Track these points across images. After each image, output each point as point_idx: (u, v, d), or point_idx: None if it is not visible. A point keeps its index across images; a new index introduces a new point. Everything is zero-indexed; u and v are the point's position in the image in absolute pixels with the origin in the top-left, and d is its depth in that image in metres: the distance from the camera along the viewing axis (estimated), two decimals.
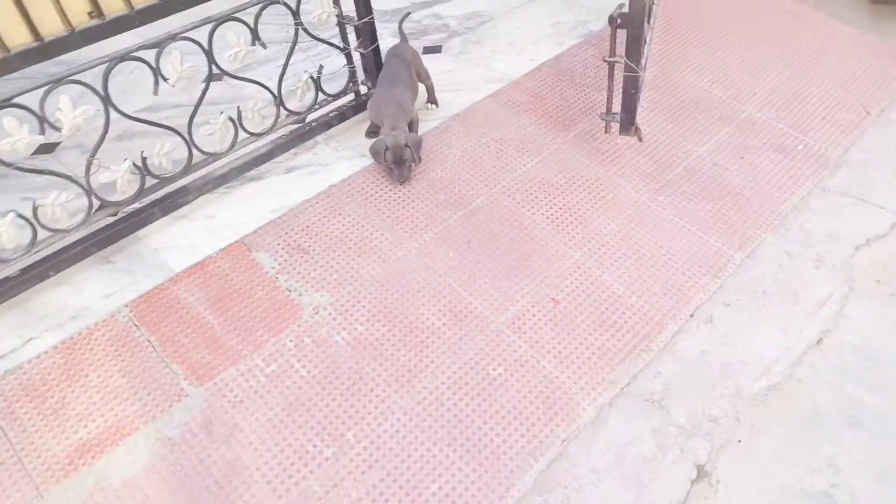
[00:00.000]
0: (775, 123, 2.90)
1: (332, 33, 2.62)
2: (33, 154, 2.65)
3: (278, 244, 2.30)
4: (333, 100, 2.71)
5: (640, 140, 2.35)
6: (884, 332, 2.10)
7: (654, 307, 2.20)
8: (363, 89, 2.80)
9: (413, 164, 2.49)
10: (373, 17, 2.61)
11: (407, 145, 2.41)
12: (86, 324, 2.04)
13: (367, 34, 2.64)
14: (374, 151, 2.46)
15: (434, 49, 3.34)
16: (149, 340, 2.02)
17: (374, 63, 2.70)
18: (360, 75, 2.78)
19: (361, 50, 2.67)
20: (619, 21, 2.14)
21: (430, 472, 1.79)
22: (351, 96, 2.78)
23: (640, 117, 2.84)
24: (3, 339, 2.01)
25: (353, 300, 2.16)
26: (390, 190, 2.51)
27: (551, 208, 2.49)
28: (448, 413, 1.91)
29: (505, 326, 2.12)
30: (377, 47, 2.70)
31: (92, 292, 2.15)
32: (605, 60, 2.28)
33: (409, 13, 3.01)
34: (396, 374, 1.99)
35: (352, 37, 2.67)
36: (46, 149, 2.80)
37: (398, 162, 2.42)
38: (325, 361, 2.00)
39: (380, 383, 1.96)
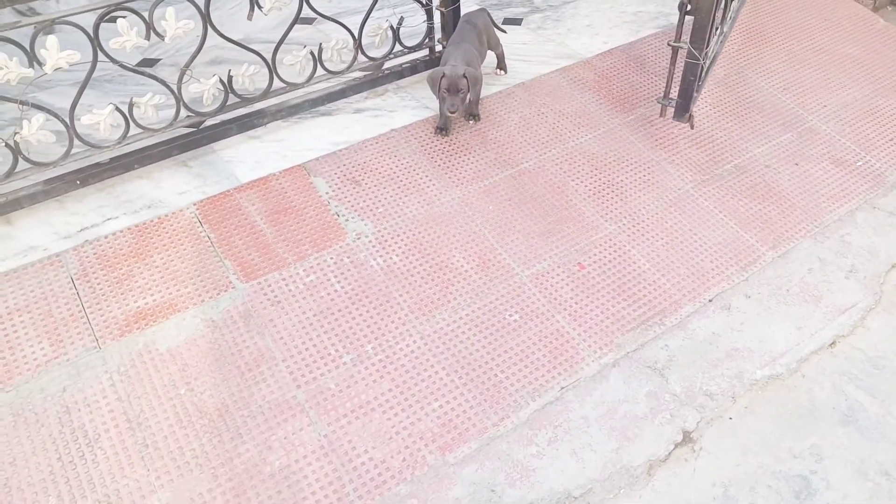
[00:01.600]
0: (838, 137, 2.89)
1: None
2: (137, 65, 2.95)
3: (335, 173, 2.50)
4: (409, 52, 2.88)
5: (692, 127, 2.42)
6: None
7: (675, 286, 2.28)
8: (438, 47, 2.95)
9: (468, 97, 2.50)
10: None
11: (464, 76, 2.46)
12: (158, 213, 2.30)
13: None
14: (431, 79, 2.54)
15: (515, 21, 3.45)
16: (209, 236, 2.26)
17: (452, 22, 2.84)
18: (437, 34, 2.93)
19: (442, 8, 2.82)
20: (688, 7, 2.20)
21: (434, 392, 1.96)
22: (426, 51, 2.94)
23: (704, 111, 2.89)
24: (86, 214, 2.30)
25: (394, 233, 2.34)
26: (445, 141, 2.66)
27: (595, 182, 2.58)
28: (461, 345, 2.07)
29: (529, 280, 2.26)
30: (458, 7, 2.84)
31: (168, 188, 2.40)
32: (669, 44, 2.35)
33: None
34: (420, 303, 2.16)
35: None
36: (148, 63, 3.09)
37: (452, 90, 2.46)
38: (359, 281, 2.19)
39: (404, 308, 2.14)
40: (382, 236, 2.32)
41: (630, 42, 3.24)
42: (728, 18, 2.77)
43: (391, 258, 2.27)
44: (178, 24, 2.20)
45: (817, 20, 3.52)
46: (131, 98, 2.30)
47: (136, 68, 2.25)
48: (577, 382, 2.02)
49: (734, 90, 3.04)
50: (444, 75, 2.47)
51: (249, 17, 2.35)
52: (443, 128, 2.66)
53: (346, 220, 2.36)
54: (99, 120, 2.24)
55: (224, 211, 2.34)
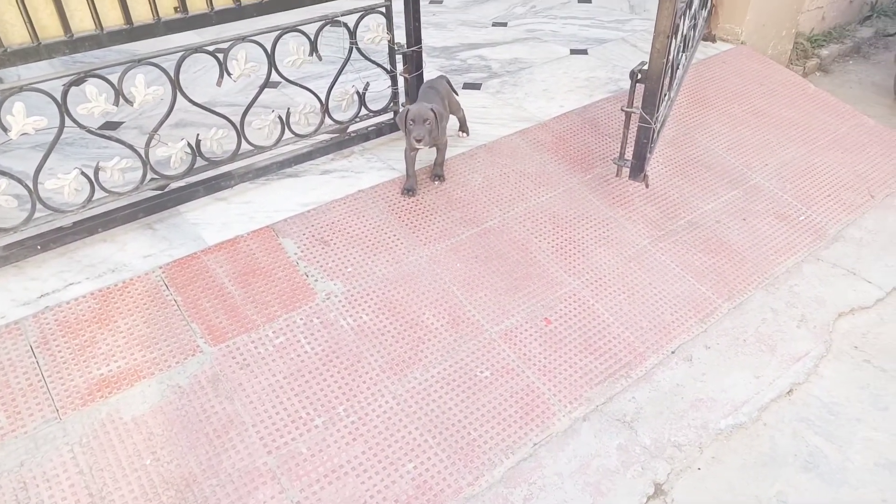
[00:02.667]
0: (781, 194, 3.07)
1: (378, 57, 2.89)
2: (99, 128, 2.95)
3: (304, 234, 2.52)
4: (374, 116, 2.96)
5: (647, 186, 2.55)
6: (851, 392, 2.22)
7: (638, 339, 2.35)
8: (398, 109, 3.05)
9: (434, 131, 2.53)
10: (421, 47, 2.88)
11: (431, 109, 2.53)
12: (122, 277, 2.27)
13: (414, 61, 2.91)
14: (399, 117, 2.61)
15: (474, 86, 3.60)
16: (175, 300, 2.23)
17: (415, 88, 2.95)
18: (401, 98, 3.03)
19: (406, 75, 2.94)
20: (638, 76, 2.36)
21: (408, 453, 1.95)
22: (390, 115, 3.03)
23: (656, 170, 3.04)
24: (47, 280, 2.24)
25: (363, 292, 2.35)
26: (413, 202, 2.72)
27: (557, 239, 2.67)
28: (433, 404, 2.07)
29: (498, 336, 2.29)
30: (421, 74, 2.96)
31: (133, 252, 2.38)
32: (622, 110, 2.49)
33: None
34: (392, 363, 2.16)
35: (395, 63, 2.93)
36: (111, 126, 3.09)
37: (418, 120, 2.50)
38: (329, 342, 2.19)
39: (375, 368, 2.14)
40: (352, 296, 2.34)
41: (584, 105, 3.41)
42: (674, 85, 2.96)
43: (361, 317, 2.28)
44: (147, 90, 2.23)
45: (755, 86, 3.78)
46: (97, 162, 2.30)
47: (104, 133, 2.26)
48: (550, 438, 2.04)
49: (683, 150, 3.22)
50: (409, 109, 2.55)
51: (219, 84, 2.40)
52: (410, 189, 2.73)
53: (316, 280, 2.37)
54: (63, 184, 2.22)
55: (191, 274, 2.32)
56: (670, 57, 2.30)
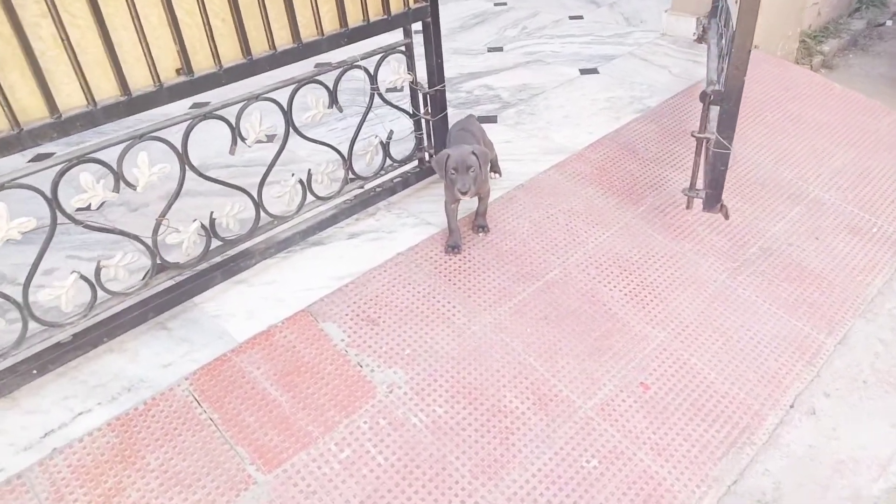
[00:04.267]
0: (844, 205, 2.83)
1: (396, 99, 2.57)
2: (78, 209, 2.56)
3: (346, 314, 2.16)
4: (399, 166, 2.63)
5: (727, 217, 2.27)
6: None
7: (749, 395, 2.05)
8: (426, 156, 2.73)
9: (479, 175, 2.22)
10: (444, 85, 2.57)
11: (473, 153, 2.21)
12: (142, 397, 1.87)
13: (438, 102, 2.59)
14: (436, 161, 2.28)
15: (489, 119, 3.30)
16: (211, 418, 1.84)
17: (442, 131, 2.64)
18: (426, 143, 2.71)
19: (429, 117, 2.62)
20: (711, 97, 2.09)
21: None
22: (415, 163, 2.70)
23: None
24: (50, 411, 1.84)
25: (429, 378, 2.00)
26: (460, 260, 2.39)
27: (629, 284, 2.37)
28: None
29: (594, 412, 1.96)
30: (445, 115, 2.65)
31: (148, 361, 1.98)
32: (693, 136, 2.22)
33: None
34: (482, 465, 1.81)
35: (418, 105, 2.62)
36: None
37: (461, 168, 2.18)
38: (404, 447, 1.83)
39: (465, 474, 1.78)
40: (418, 384, 1.98)
41: (615, 130, 3.14)
42: None
43: (434, 410, 1.92)
44: (152, 170, 1.86)
45: (780, 90, 3.58)
46: (98, 261, 1.91)
47: (105, 227, 1.87)
48: None
49: (732, 169, 2.95)
50: (449, 155, 2.22)
51: (232, 152, 2.04)
52: (455, 246, 2.39)
53: (372, 370, 2.01)
54: (60, 293, 1.82)
55: (224, 381, 1.94)
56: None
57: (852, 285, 2.46)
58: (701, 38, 4.07)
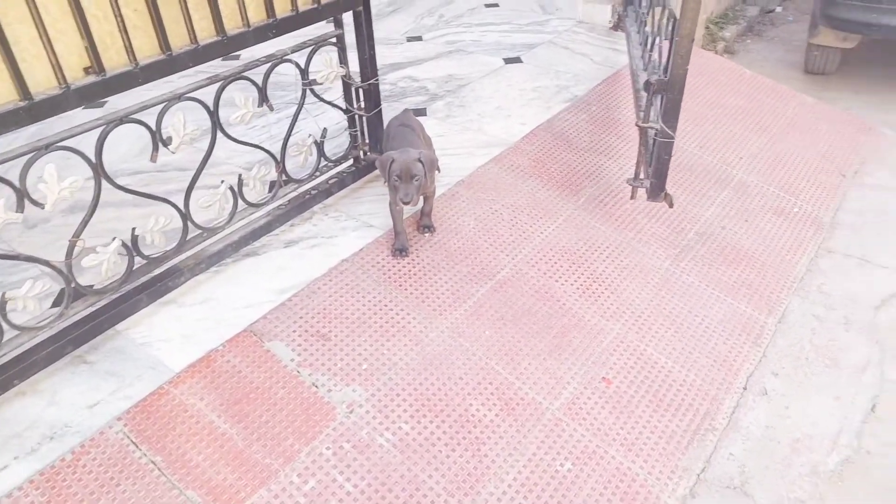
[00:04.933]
0: (767, 187, 2.96)
1: (328, 94, 2.42)
2: None
3: (294, 331, 2.00)
4: (334, 166, 2.48)
5: (671, 206, 2.29)
6: None
7: (705, 381, 2.08)
8: (362, 154, 2.59)
9: (423, 183, 2.13)
10: (378, 79, 2.43)
11: (419, 160, 2.11)
12: (68, 445, 1.64)
13: (371, 96, 2.45)
14: (380, 163, 2.17)
15: (419, 112, 3.19)
16: (153, 462, 1.64)
17: (377, 127, 2.50)
18: (361, 140, 2.57)
19: (363, 112, 2.47)
20: (655, 87, 2.08)
21: None
22: (350, 161, 2.55)
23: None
24: None
25: (391, 393, 1.89)
26: (408, 263, 2.28)
27: (579, 278, 2.35)
28: None
29: (562, 413, 1.92)
30: (380, 110, 2.51)
31: (70, 403, 1.74)
32: (637, 125, 2.21)
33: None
34: (456, 480, 1.72)
35: (351, 100, 2.47)
36: None
37: (405, 176, 2.10)
38: (372, 471, 1.71)
39: (440, 493, 1.69)
40: (380, 401, 1.86)
41: (547, 120, 3.12)
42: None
43: (400, 428, 1.81)
44: (62, 184, 1.62)
45: (695, 76, 3.68)
46: (2, 294, 1.64)
47: (7, 253, 1.61)
48: None
49: None
50: (393, 160, 2.10)
51: (154, 159, 1.82)
52: (402, 248, 2.28)
53: (329, 390, 1.87)
54: None
55: (163, 418, 1.73)
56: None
57: (783, 265, 2.57)
58: (617, 26, 4.13)
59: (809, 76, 4.58)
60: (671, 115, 2.10)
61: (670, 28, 2.06)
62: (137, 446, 1.66)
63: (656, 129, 2.14)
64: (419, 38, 4.14)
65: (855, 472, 1.88)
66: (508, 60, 3.76)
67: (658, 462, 1.85)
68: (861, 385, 2.12)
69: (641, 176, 2.31)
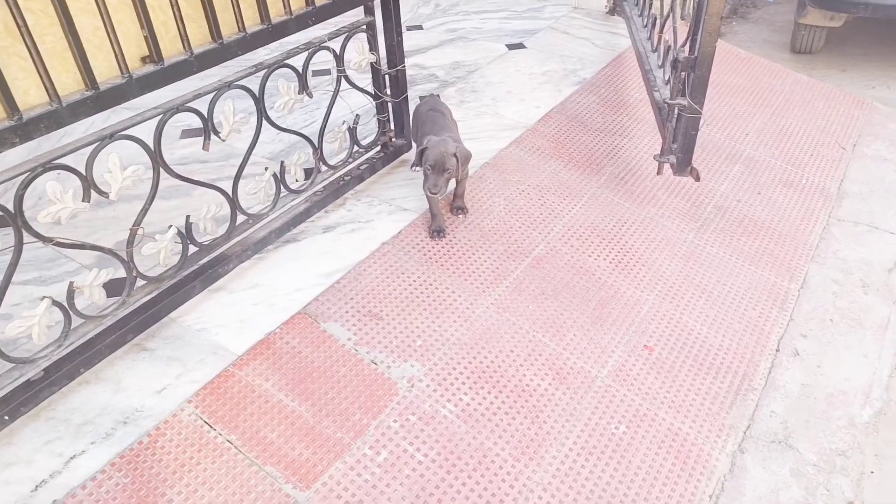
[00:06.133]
0: (774, 161, 3.07)
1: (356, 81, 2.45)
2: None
3: (346, 312, 2.04)
4: (365, 152, 2.51)
5: (697, 179, 2.38)
6: None
7: (740, 345, 2.18)
8: (390, 140, 2.63)
9: (454, 176, 2.26)
10: (405, 65, 2.47)
11: (454, 155, 2.20)
12: (144, 429, 1.67)
13: (399, 83, 2.49)
14: (417, 150, 2.26)
15: None
16: (229, 441, 1.68)
17: (404, 113, 2.54)
18: (389, 126, 2.61)
19: (391, 99, 2.51)
20: (682, 65, 2.16)
21: None
22: (378, 147, 2.59)
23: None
24: (34, 461, 1.59)
25: (448, 367, 1.94)
26: (447, 244, 2.33)
27: (610, 252, 2.43)
28: (588, 483, 1.74)
29: (610, 380, 2.00)
30: (406, 97, 2.55)
31: (137, 389, 1.76)
32: (667, 102, 2.29)
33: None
34: (520, 446, 1.79)
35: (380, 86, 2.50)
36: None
37: (438, 168, 2.17)
38: (440, 440, 1.76)
39: (506, 458, 1.75)
40: (438, 375, 1.92)
41: (560, 102, 3.19)
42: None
43: (461, 399, 1.87)
44: (124, 172, 1.64)
45: None
46: (70, 283, 1.66)
47: (74, 243, 1.62)
48: (721, 484, 1.79)
49: None
50: (426, 148, 2.19)
51: (206, 147, 1.85)
52: (439, 230, 2.33)
53: (388, 366, 1.92)
54: (31, 323, 1.57)
55: (233, 399, 1.76)
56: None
57: (798, 233, 2.68)
58: (613, 11, 4.21)
59: (796, 56, 4.73)
60: (699, 91, 2.18)
61: (694, 7, 2.14)
62: (211, 427, 1.69)
63: (683, 106, 2.22)
64: (419, 28, 4.18)
65: (888, 422, 1.99)
66: (511, 46, 3.82)
67: (706, 422, 1.93)
68: (885, 342, 2.23)
69: (667, 152, 2.39)
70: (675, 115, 2.32)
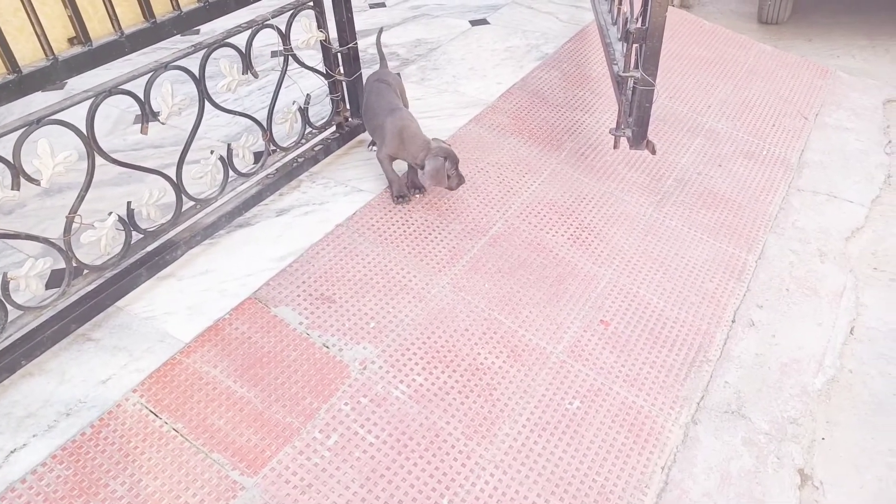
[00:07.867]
0: (736, 132, 3.06)
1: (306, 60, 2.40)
2: None
3: (298, 295, 2.01)
4: (318, 133, 2.47)
5: (654, 153, 2.36)
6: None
7: (696, 317, 2.18)
8: (344, 120, 2.58)
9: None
10: (356, 43, 2.42)
11: (443, 140, 2.32)
12: (87, 420, 1.64)
13: (350, 61, 2.44)
14: (436, 170, 2.20)
15: None
16: (175, 429, 1.65)
17: (358, 93, 2.50)
18: (342, 106, 2.56)
19: (344, 77, 2.47)
20: (634, 36, 2.13)
21: None
22: (333, 128, 2.55)
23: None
24: None
25: (401, 348, 1.93)
26: (403, 224, 2.30)
27: (568, 228, 2.41)
28: (540, 458, 1.74)
29: (565, 356, 2.00)
30: (360, 75, 2.51)
31: (81, 379, 1.73)
32: (619, 75, 2.26)
33: (382, 29, 2.80)
34: (473, 425, 1.79)
35: (331, 65, 2.45)
36: None
37: (454, 160, 2.24)
38: (391, 422, 1.76)
39: (458, 437, 1.75)
40: (391, 356, 1.90)
41: (521, 79, 3.15)
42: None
43: (414, 380, 1.86)
44: (56, 160, 1.59)
45: None
46: (4, 274, 1.61)
47: (6, 233, 1.58)
48: (673, 455, 1.80)
49: None
50: (444, 157, 2.21)
51: (144, 131, 1.80)
52: (401, 195, 2.33)
53: (340, 349, 1.90)
54: None
55: (180, 387, 1.74)
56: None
57: (758, 205, 2.68)
58: None
59: (763, 26, 4.71)
60: (651, 62, 2.15)
61: None
62: (157, 415, 1.67)
63: (636, 78, 2.19)
64: (382, 5, 4.11)
65: (840, 390, 2.01)
66: (475, 22, 3.77)
67: (660, 394, 1.94)
68: (840, 310, 2.25)
69: (623, 126, 2.37)
70: (630, 88, 2.30)
